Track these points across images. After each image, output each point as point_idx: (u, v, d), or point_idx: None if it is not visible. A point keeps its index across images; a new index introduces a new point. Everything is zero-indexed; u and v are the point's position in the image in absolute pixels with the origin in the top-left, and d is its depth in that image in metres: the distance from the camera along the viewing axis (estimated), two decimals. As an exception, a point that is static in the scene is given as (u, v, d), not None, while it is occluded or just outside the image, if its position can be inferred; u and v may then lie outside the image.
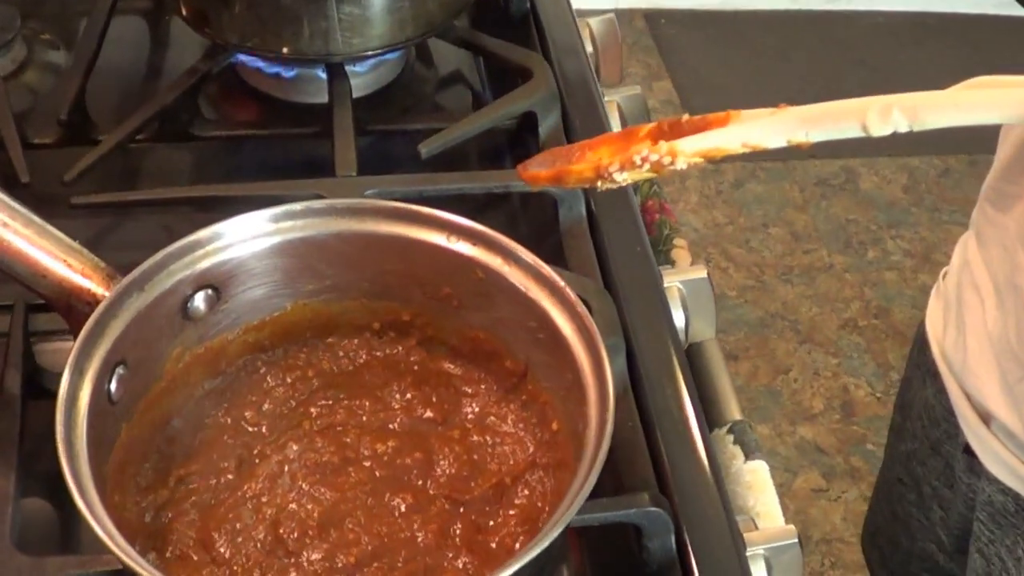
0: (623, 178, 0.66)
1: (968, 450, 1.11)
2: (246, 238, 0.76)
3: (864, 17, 3.56)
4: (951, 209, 2.96)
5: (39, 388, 0.87)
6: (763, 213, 2.92)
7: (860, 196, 2.99)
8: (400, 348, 0.82)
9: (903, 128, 0.63)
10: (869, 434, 2.41)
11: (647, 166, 0.65)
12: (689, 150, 0.65)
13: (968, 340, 1.08)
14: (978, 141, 2.68)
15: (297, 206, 0.77)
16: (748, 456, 0.97)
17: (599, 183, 0.67)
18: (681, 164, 0.65)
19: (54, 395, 0.67)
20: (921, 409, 1.21)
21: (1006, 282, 1.01)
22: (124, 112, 1.11)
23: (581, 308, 0.72)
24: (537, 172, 0.70)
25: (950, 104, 0.64)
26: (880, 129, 0.62)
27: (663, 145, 0.65)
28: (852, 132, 0.64)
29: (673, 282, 1.01)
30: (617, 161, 0.66)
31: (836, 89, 3.15)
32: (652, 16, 3.49)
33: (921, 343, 1.20)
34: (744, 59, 3.40)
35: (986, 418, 1.07)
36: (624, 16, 3.42)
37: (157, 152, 1.12)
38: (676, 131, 0.67)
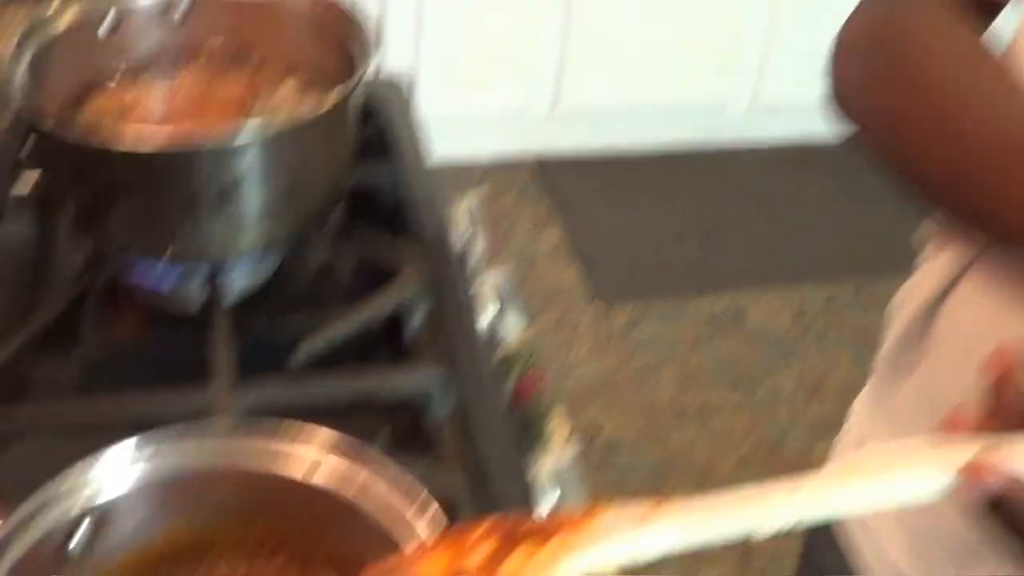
0: None
1: None
2: (116, 473, 0.80)
3: (748, 149, 3.67)
4: (838, 337, 3.05)
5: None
6: (655, 354, 2.98)
7: (748, 330, 3.07)
8: (276, 563, 0.85)
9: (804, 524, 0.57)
10: (768, 572, 2.45)
11: None
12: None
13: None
14: (863, 267, 2.74)
15: (165, 440, 0.81)
16: None
17: None
18: None
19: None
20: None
21: None
22: (11, 323, 1.14)
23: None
24: None
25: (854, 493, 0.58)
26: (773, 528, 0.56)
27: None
28: (742, 533, 0.57)
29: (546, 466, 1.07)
30: None
31: (726, 223, 3.19)
32: (540, 163, 3.57)
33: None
34: (633, 201, 3.49)
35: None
36: (512, 163, 3.50)
37: (41, 363, 1.15)
38: (524, 532, 0.56)
